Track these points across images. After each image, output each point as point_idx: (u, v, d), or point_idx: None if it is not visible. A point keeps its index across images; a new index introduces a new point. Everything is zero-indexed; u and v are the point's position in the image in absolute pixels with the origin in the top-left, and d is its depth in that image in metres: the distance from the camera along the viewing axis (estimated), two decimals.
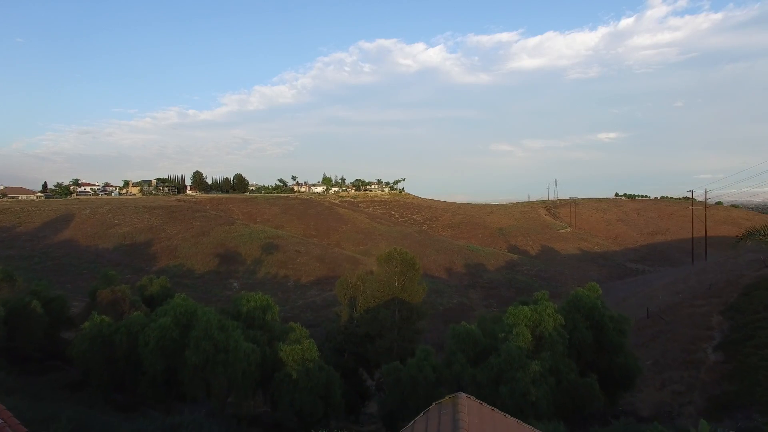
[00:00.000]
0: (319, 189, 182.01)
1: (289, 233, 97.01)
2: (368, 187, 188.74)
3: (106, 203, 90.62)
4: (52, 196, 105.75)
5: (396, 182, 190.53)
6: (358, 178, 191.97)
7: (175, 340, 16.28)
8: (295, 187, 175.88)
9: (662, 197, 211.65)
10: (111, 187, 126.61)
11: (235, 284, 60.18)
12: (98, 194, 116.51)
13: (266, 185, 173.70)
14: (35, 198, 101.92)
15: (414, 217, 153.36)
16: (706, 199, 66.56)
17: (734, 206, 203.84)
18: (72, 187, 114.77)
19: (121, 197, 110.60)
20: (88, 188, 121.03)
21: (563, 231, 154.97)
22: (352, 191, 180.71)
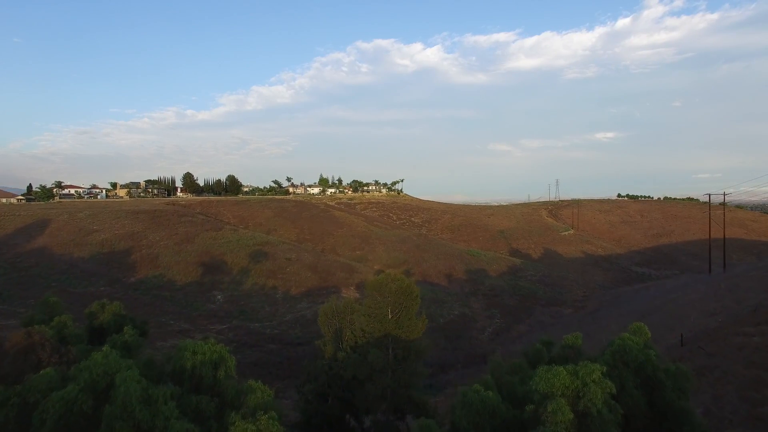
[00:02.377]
0: (316, 190, 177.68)
1: (281, 239, 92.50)
2: (366, 188, 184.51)
3: (88, 207, 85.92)
4: (34, 199, 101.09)
5: (394, 183, 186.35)
6: (356, 179, 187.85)
7: (86, 415, 11.93)
8: (290, 189, 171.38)
9: (665, 198, 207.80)
10: (97, 190, 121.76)
11: (219, 297, 55.72)
12: (83, 197, 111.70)
13: (260, 187, 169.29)
14: (15, 201, 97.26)
15: (412, 219, 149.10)
16: (724, 203, 62.26)
17: (739, 207, 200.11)
18: (55, 189, 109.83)
19: (106, 200, 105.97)
20: (72, 191, 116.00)
21: (566, 233, 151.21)
22: (349, 192, 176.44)
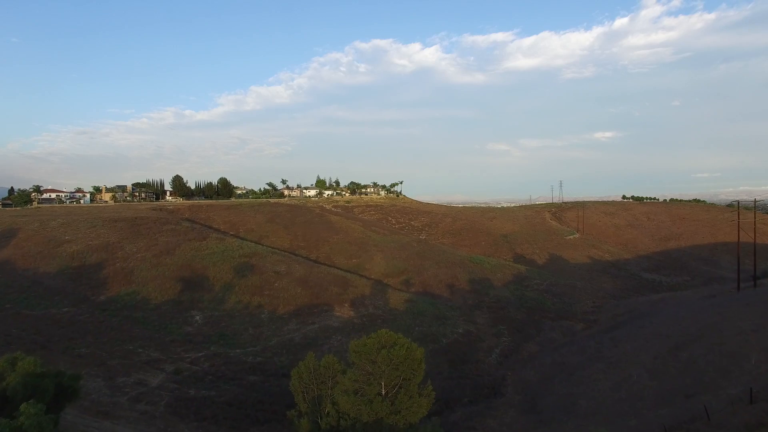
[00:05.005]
0: (312, 192, 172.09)
1: (272, 247, 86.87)
2: (364, 190, 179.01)
3: (66, 214, 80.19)
4: (11, 205, 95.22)
5: (393, 185, 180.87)
6: (354, 180, 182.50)
7: None
8: (286, 191, 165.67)
9: (671, 199, 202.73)
10: (80, 194, 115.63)
11: (198, 317, 50.11)
12: (64, 202, 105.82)
13: (255, 189, 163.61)
14: None
15: (412, 223, 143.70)
16: (755, 209, 56.66)
17: (746, 209, 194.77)
18: (33, 194, 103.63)
19: (89, 205, 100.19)
20: (53, 195, 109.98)
21: (571, 237, 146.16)
22: (347, 195, 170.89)
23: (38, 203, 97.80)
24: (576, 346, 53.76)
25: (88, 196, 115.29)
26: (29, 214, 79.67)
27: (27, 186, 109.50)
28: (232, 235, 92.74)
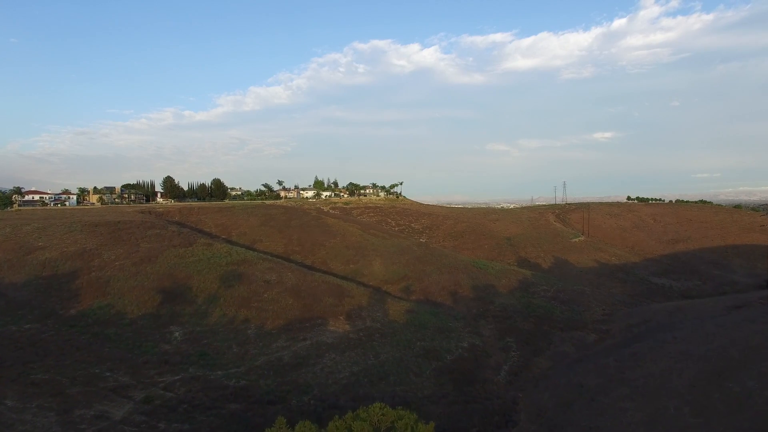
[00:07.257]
0: (310, 194, 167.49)
1: (266, 251, 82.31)
2: (363, 191, 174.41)
3: (44, 217, 75.51)
4: None
5: (392, 186, 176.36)
6: (352, 181, 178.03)
7: None
8: (282, 192, 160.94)
9: (677, 201, 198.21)
10: (66, 196, 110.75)
11: (177, 334, 45.41)
12: (48, 204, 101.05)
13: (251, 190, 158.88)
14: None
15: (412, 225, 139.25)
16: None
17: (755, 209, 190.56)
18: (14, 196, 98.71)
19: (73, 208, 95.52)
20: (36, 197, 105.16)
21: (576, 240, 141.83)
22: (346, 196, 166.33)
23: (19, 206, 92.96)
24: (593, 364, 49.06)
25: (74, 198, 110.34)
26: (5, 217, 74.95)
27: (25, 186, 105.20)
28: (223, 239, 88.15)
